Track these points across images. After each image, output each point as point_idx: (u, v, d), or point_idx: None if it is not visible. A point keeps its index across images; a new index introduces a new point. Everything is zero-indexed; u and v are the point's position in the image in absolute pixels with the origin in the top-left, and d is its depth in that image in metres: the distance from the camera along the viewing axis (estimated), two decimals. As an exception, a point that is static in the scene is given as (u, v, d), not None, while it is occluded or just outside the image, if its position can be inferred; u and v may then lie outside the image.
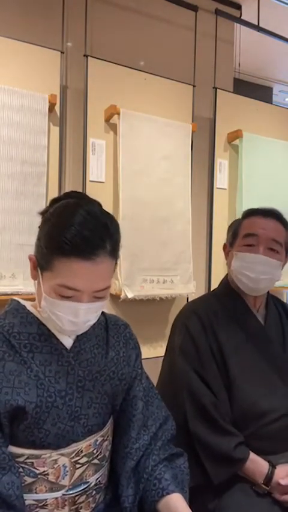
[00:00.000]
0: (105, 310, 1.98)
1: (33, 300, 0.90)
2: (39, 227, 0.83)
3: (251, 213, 1.25)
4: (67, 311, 0.79)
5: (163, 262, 2.02)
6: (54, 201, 0.86)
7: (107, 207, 1.99)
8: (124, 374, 0.95)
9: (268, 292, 1.30)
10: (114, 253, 0.81)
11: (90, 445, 0.88)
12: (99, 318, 0.96)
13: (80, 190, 1.89)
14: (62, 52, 1.85)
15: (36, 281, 0.85)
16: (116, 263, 0.83)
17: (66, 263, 0.75)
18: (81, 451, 0.87)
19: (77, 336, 0.89)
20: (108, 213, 0.84)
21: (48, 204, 0.87)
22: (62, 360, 0.85)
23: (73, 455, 0.85)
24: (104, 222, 0.79)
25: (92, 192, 1.89)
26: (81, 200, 0.84)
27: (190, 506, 0.86)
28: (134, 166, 1.95)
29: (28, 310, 0.87)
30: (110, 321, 1.00)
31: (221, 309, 1.26)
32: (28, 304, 0.89)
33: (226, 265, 1.30)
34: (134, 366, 0.99)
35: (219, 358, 1.18)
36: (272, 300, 1.33)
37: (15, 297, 0.91)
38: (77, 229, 0.75)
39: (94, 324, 0.93)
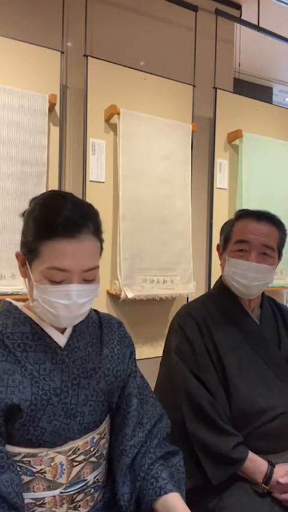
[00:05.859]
0: (106, 310, 2.00)
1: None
2: (22, 227, 0.86)
3: (243, 215, 1.23)
4: (59, 295, 0.80)
5: (163, 262, 2.02)
6: (33, 200, 0.89)
7: (107, 207, 2.02)
8: (119, 371, 0.96)
9: (263, 292, 1.29)
10: (97, 234, 0.84)
11: (87, 443, 0.88)
12: (92, 317, 0.98)
13: (80, 190, 1.89)
14: (62, 52, 1.85)
15: (26, 278, 0.86)
16: (101, 247, 0.86)
17: (52, 245, 0.78)
18: (78, 449, 0.87)
19: (71, 334, 0.90)
20: (87, 202, 0.88)
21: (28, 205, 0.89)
22: (56, 358, 0.86)
23: (70, 453, 0.85)
24: (84, 207, 0.85)
25: (92, 192, 1.90)
26: (59, 192, 0.90)
27: (189, 506, 0.86)
28: (134, 166, 1.95)
29: (21, 311, 0.88)
30: (104, 320, 1.01)
31: (216, 310, 1.26)
32: (20, 305, 0.90)
33: (220, 266, 1.30)
34: (128, 364, 0.99)
35: (215, 358, 1.18)
36: (266, 299, 1.33)
37: (14, 297, 0.91)
38: (59, 213, 0.79)
39: (88, 322, 0.94)
